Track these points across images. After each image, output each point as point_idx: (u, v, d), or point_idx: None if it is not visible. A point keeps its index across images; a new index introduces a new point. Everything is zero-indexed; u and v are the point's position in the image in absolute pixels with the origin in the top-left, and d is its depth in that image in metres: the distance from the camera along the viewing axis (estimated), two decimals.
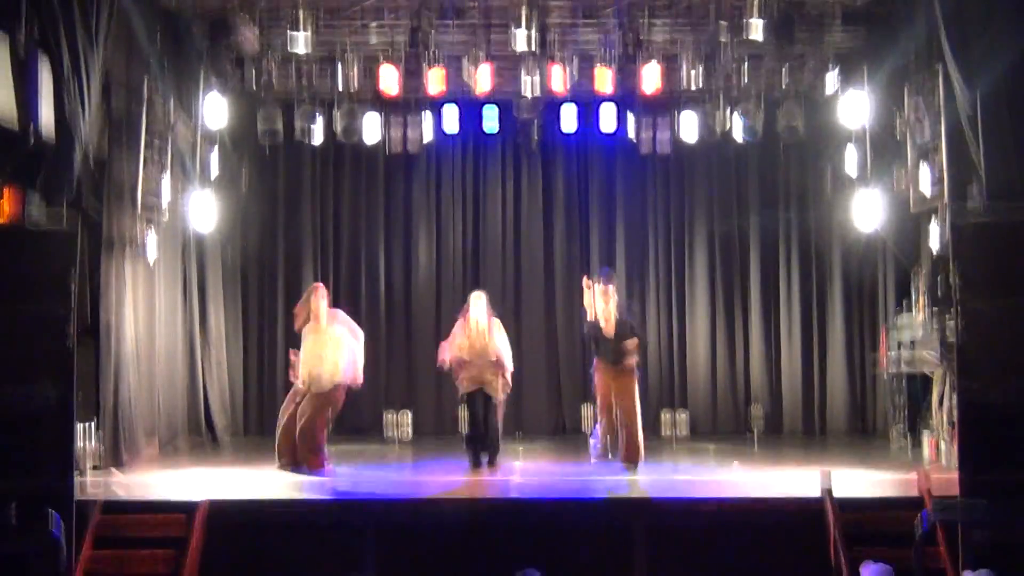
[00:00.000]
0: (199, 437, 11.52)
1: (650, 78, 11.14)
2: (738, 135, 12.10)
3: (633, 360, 9.85)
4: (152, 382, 10.20)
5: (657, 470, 9.99)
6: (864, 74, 11.33)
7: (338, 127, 12.00)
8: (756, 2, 9.82)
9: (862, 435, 12.52)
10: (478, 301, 10.03)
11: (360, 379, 9.87)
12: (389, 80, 11.20)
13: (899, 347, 11.11)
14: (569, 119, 12.25)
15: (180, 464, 9.91)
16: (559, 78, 11.25)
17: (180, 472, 9.42)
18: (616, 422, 9.77)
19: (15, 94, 7.84)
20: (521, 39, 10.19)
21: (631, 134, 12.35)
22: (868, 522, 7.73)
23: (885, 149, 11.27)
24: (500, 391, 9.98)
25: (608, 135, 12.56)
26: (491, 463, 9.96)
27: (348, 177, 13.31)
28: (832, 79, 11.32)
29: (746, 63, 11.37)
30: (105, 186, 9.52)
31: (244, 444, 12.15)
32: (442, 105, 12.27)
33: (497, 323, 10.05)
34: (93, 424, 8.97)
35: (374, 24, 11.15)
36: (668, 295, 13.20)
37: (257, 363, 12.99)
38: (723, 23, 10.68)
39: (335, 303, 13.05)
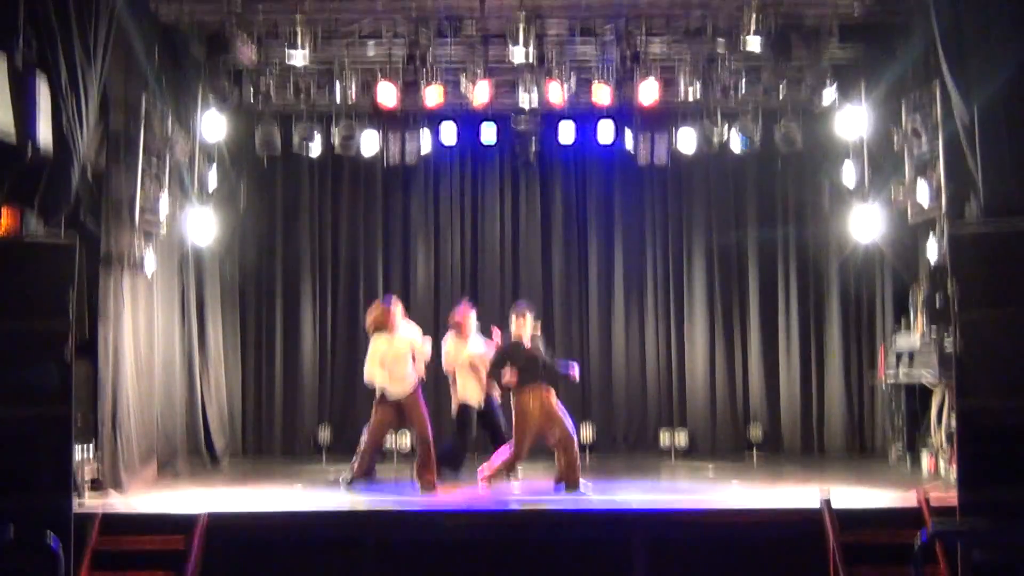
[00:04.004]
0: (198, 458, 11.41)
1: (648, 92, 11.17)
2: (736, 147, 12.12)
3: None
4: (151, 401, 10.12)
5: (656, 488, 9.96)
6: (862, 88, 11.36)
7: (336, 140, 12.02)
8: (753, 18, 9.82)
9: (861, 453, 12.47)
10: None
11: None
12: (387, 93, 11.21)
13: (897, 363, 11.10)
14: (567, 132, 12.27)
15: (179, 486, 9.81)
16: (557, 91, 11.28)
17: (179, 493, 9.35)
18: (556, 446, 9.38)
19: (13, 111, 7.85)
20: (519, 54, 10.20)
21: (629, 146, 12.34)
22: (867, 540, 7.68)
23: (883, 163, 11.28)
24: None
25: (606, 148, 12.56)
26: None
27: (346, 191, 13.30)
28: (830, 94, 11.35)
29: (743, 80, 11.40)
30: (103, 202, 9.51)
31: (244, 465, 12.07)
32: (440, 118, 12.27)
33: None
34: (91, 447, 8.92)
35: (372, 43, 11.20)
36: (667, 311, 13.15)
37: (255, 383, 12.93)
38: (721, 40, 10.73)
39: (333, 316, 13.18)
